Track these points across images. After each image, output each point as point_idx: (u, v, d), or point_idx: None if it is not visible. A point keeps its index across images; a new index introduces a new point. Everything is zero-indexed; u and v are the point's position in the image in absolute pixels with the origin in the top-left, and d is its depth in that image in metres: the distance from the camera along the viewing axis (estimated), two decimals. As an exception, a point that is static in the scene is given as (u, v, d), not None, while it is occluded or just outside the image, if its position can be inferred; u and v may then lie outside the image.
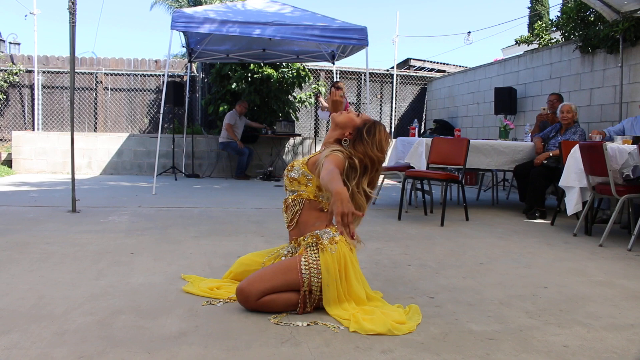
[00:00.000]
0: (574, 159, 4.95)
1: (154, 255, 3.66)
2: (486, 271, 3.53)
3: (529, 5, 14.68)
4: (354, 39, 7.65)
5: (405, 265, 3.61)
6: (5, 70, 11.24)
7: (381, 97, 12.66)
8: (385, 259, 3.76)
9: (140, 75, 11.90)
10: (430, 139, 6.00)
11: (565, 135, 5.97)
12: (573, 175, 4.94)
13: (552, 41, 9.65)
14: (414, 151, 6.06)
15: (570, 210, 4.92)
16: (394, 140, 7.05)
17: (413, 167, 6.14)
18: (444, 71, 13.48)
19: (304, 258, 2.57)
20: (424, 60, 14.09)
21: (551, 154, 5.92)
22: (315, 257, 2.56)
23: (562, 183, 5.08)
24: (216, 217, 5.34)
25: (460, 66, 14.00)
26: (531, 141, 6.50)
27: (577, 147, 4.94)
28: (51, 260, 3.42)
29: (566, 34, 7.83)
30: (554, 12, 16.89)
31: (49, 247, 3.82)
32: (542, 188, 5.90)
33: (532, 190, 5.91)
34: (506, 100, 8.82)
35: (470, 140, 5.74)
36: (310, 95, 11.30)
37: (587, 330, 2.46)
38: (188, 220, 5.11)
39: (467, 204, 5.79)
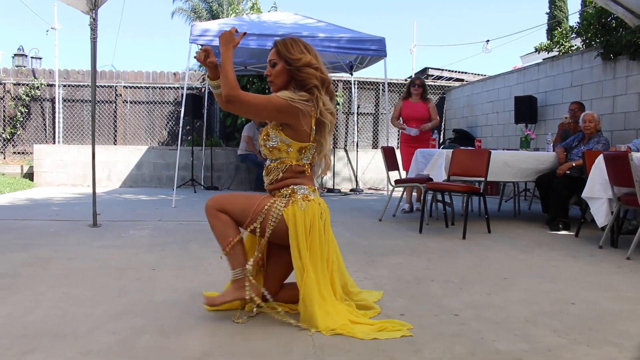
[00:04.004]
0: (599, 170, 4.86)
1: (176, 271, 3.65)
2: (510, 286, 3.46)
3: (548, 11, 14.55)
4: (372, 49, 7.65)
5: (428, 281, 3.56)
6: (27, 85, 11.42)
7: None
8: (408, 275, 3.72)
9: (159, 88, 12.01)
10: (451, 151, 5.94)
11: (589, 145, 5.88)
12: (598, 186, 4.85)
13: (573, 48, 9.54)
14: (434, 163, 6.00)
15: (600, 222, 4.83)
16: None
17: (432, 179, 6.09)
18: (462, 80, 13.41)
19: (269, 203, 2.61)
20: (442, 69, 14.03)
21: (574, 164, 5.83)
22: (282, 207, 2.60)
23: (585, 194, 4.99)
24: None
25: (478, 74, 13.92)
26: (553, 151, 6.41)
27: (601, 157, 4.86)
28: (73, 277, 3.44)
29: (587, 41, 7.73)
30: (573, 18, 16.71)
31: (71, 262, 3.84)
32: (565, 199, 5.81)
33: (555, 201, 5.82)
34: (526, 109, 8.73)
35: (492, 152, 5.67)
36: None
37: (619, 350, 2.39)
38: (209, 234, 5.04)
39: (489, 215, 5.72)
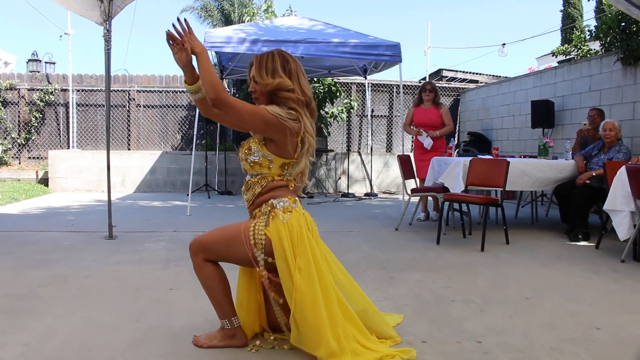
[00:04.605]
0: (621, 182, 4.77)
1: (193, 290, 3.61)
2: (533, 308, 3.39)
3: (562, 9, 14.35)
4: (387, 55, 7.55)
5: (448, 301, 3.50)
6: (42, 90, 11.47)
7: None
8: (428, 294, 3.66)
9: (172, 92, 12.02)
10: (468, 160, 5.87)
11: (609, 154, 5.78)
12: (620, 199, 4.76)
13: (591, 52, 9.40)
14: (450, 172, 5.93)
15: (622, 236, 4.74)
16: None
17: (448, 188, 6.03)
18: (476, 81, 13.29)
19: (251, 228, 2.47)
20: (456, 71, 13.91)
21: (594, 174, 5.73)
22: (263, 226, 2.45)
23: (607, 207, 4.90)
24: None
25: (493, 75, 13.79)
26: (572, 159, 6.31)
27: (623, 169, 4.77)
28: (91, 298, 3.42)
29: (606, 45, 7.61)
30: (587, 16, 16.45)
31: (87, 281, 3.83)
32: (585, 209, 5.71)
33: (574, 211, 5.72)
34: (543, 113, 8.62)
35: (510, 161, 5.59)
36: (342, 110, 11.23)
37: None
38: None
39: (506, 218, 5.63)
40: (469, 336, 2.87)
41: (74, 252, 4.82)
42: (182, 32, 2.40)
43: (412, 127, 7.08)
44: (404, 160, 6.58)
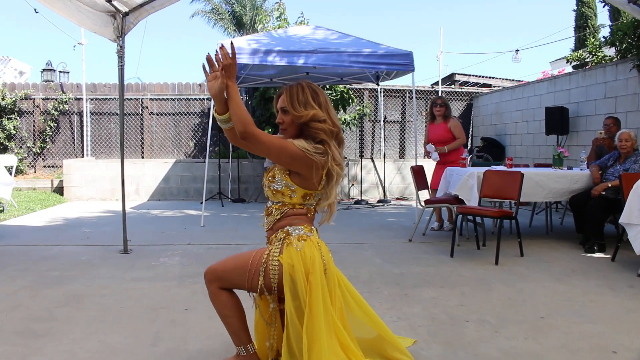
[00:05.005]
0: (637, 195, 4.73)
1: (208, 311, 3.61)
2: (548, 328, 3.38)
3: (575, 7, 14.21)
4: (400, 64, 7.54)
5: (463, 321, 3.49)
6: (56, 99, 11.60)
7: (426, 114, 12.48)
8: (442, 313, 3.65)
9: (185, 99, 12.08)
10: (482, 172, 5.85)
11: (625, 165, 5.73)
12: (636, 212, 4.71)
13: (606, 58, 9.32)
14: (464, 183, 5.91)
15: (639, 250, 4.69)
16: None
17: (461, 199, 6.01)
18: (489, 85, 13.23)
19: (265, 255, 2.47)
20: (469, 75, 13.85)
21: (610, 185, 5.68)
22: (277, 254, 2.45)
23: (623, 220, 4.85)
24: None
25: (506, 79, 13.73)
26: (587, 168, 6.26)
27: (639, 183, 4.72)
28: (108, 319, 3.45)
29: (621, 52, 7.54)
30: (602, 16, 16.30)
31: (104, 300, 3.87)
32: (600, 220, 5.66)
33: (590, 223, 5.68)
34: (557, 120, 8.55)
35: (524, 172, 5.57)
36: (355, 116, 11.22)
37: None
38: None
39: (520, 229, 5.59)
40: (484, 361, 2.86)
41: (90, 268, 4.86)
42: (222, 58, 2.38)
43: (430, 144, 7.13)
44: (417, 171, 6.57)
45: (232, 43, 2.41)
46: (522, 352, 2.98)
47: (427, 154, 7.16)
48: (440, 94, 12.43)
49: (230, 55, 2.38)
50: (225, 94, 2.43)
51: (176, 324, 3.40)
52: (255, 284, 2.49)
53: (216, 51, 2.41)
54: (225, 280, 2.54)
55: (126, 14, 5.44)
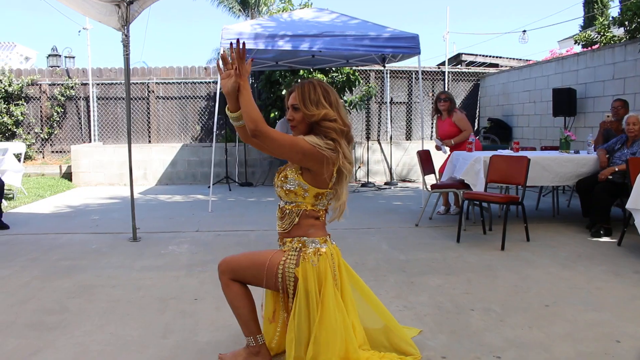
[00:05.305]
0: (644, 181, 4.72)
1: (217, 301, 3.68)
2: (553, 317, 3.40)
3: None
4: (406, 47, 7.50)
5: (468, 310, 3.52)
6: (62, 85, 11.61)
7: (433, 95, 12.43)
8: (448, 302, 3.69)
9: (191, 83, 12.08)
10: (488, 156, 5.84)
11: (632, 149, 5.70)
12: (643, 198, 4.71)
13: (615, 39, 9.20)
14: (470, 168, 5.91)
15: None
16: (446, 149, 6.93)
17: (467, 184, 6.02)
18: (496, 65, 13.12)
19: (281, 264, 2.54)
20: (476, 55, 13.73)
21: (617, 169, 5.66)
22: (293, 266, 2.52)
23: (630, 205, 4.85)
24: (274, 244, 5.35)
25: (513, 59, 13.60)
26: (594, 152, 6.24)
27: (646, 168, 4.71)
28: (118, 311, 3.51)
29: (630, 32, 7.45)
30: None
31: (114, 291, 3.93)
32: (607, 204, 5.66)
33: (596, 207, 5.68)
34: (565, 101, 8.50)
35: (531, 157, 5.56)
36: (361, 97, 11.18)
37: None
38: (246, 248, 5.15)
39: (526, 211, 5.61)
40: (489, 350, 2.90)
41: (100, 257, 4.93)
42: (236, 55, 2.40)
43: (437, 138, 7.25)
44: (423, 156, 6.57)
45: (244, 44, 2.41)
46: (527, 342, 3.01)
47: (437, 148, 7.21)
48: (447, 75, 12.34)
49: (241, 56, 2.38)
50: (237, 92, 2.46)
51: (185, 314, 3.46)
52: (271, 285, 2.59)
53: (230, 44, 2.42)
54: (237, 274, 2.61)
55: (130, 2, 5.41)
